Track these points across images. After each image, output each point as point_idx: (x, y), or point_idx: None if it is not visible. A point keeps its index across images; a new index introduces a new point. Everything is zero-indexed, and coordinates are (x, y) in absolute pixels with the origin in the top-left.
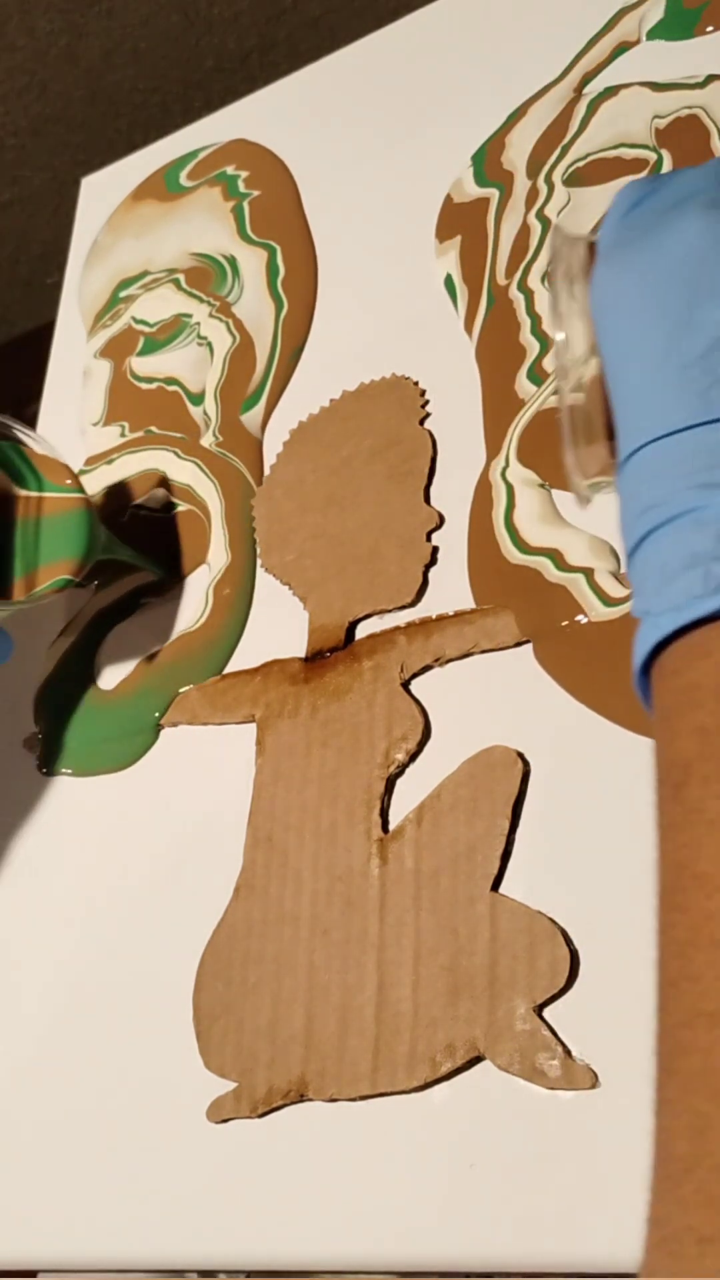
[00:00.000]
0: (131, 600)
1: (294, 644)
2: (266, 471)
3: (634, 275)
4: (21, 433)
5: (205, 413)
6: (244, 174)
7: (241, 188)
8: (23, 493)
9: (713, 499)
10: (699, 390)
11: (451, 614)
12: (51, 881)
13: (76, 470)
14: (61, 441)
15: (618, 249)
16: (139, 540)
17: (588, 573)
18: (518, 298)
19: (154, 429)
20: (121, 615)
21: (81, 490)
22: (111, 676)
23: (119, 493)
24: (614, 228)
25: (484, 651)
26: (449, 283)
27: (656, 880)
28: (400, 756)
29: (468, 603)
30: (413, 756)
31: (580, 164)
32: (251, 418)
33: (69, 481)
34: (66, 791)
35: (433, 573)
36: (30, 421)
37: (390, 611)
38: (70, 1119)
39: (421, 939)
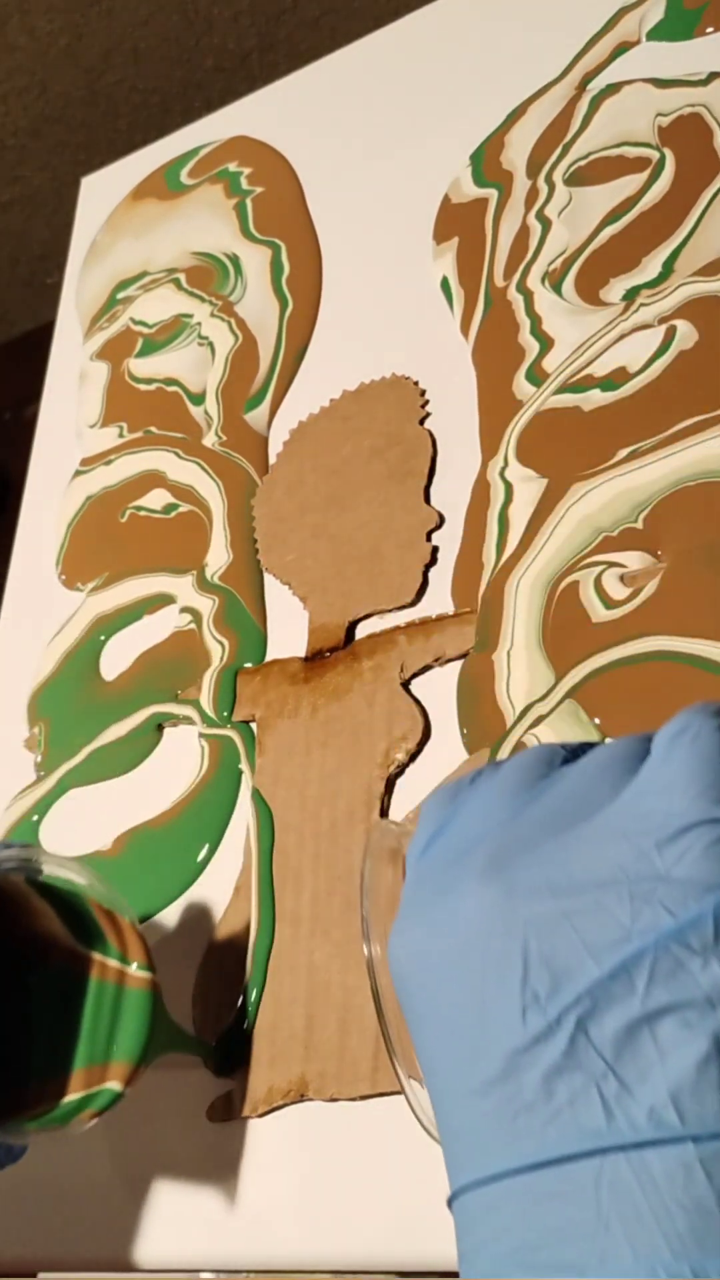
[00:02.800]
0: None
1: (294, 644)
2: None
3: (423, 955)
4: (91, 883)
5: (206, 413)
6: (246, 171)
7: (244, 184)
8: (96, 957)
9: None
10: (506, 1119)
11: (451, 614)
12: None
13: (74, 470)
14: (60, 442)
15: (410, 907)
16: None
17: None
18: (516, 299)
19: (153, 429)
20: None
21: (152, 969)
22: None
23: None
24: (414, 864)
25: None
26: (445, 285)
27: None
28: (400, 756)
29: None
30: (413, 756)
31: (582, 163)
32: (256, 416)
33: (143, 958)
34: (69, 793)
35: (433, 573)
36: (30, 422)
37: (390, 611)
38: None
39: None
